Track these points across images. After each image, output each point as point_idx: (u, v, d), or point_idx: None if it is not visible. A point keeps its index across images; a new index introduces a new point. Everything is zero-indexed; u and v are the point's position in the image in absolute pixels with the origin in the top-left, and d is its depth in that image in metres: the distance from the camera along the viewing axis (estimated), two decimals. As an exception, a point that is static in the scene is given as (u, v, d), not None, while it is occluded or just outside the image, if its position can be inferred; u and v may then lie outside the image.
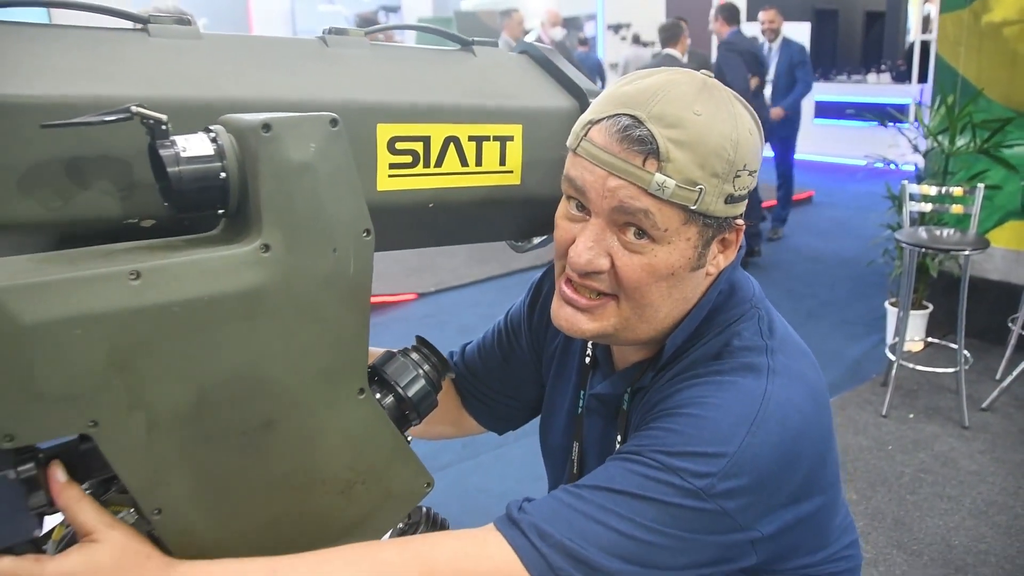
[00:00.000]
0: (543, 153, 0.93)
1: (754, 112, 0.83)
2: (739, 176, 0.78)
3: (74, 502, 0.66)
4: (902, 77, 10.94)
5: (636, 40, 10.43)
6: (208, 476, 0.68)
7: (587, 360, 1.01)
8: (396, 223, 0.87)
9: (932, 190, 3.47)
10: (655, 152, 0.75)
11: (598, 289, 0.82)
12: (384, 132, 0.82)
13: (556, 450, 1.08)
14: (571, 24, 10.93)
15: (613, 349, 0.98)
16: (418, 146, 0.85)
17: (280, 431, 0.70)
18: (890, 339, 3.85)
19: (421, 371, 0.85)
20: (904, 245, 3.35)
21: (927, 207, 3.59)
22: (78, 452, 0.68)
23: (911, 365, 3.67)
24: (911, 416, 3.41)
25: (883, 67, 11.47)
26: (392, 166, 0.83)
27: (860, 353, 4.17)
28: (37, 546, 0.66)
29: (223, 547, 0.71)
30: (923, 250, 3.35)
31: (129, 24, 0.79)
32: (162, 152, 0.63)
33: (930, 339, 4.03)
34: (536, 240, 1.09)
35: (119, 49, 0.75)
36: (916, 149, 4.11)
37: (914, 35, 10.85)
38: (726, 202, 0.78)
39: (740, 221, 0.83)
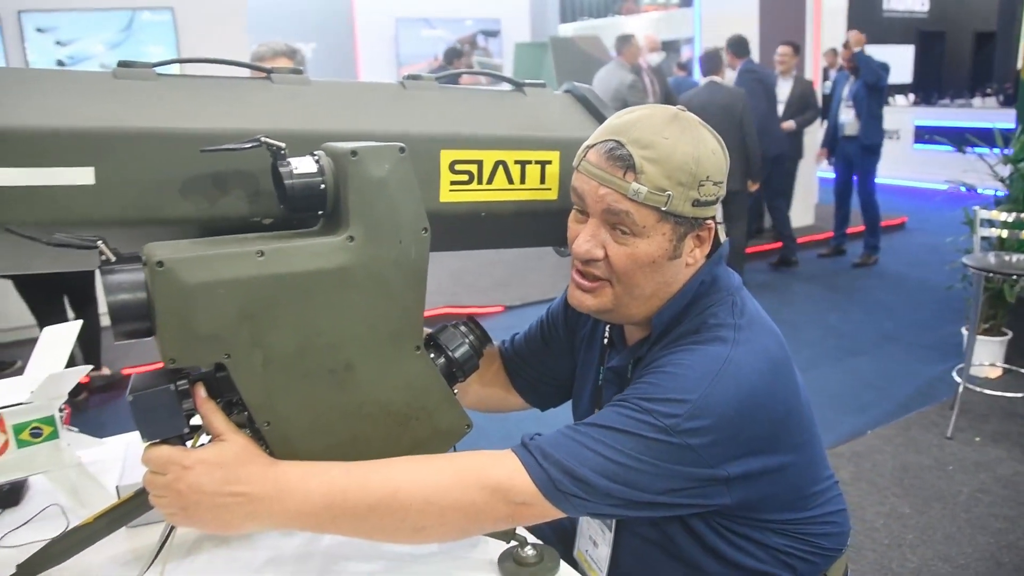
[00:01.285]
0: None
1: (719, 136, 1.05)
2: (703, 185, 1.00)
3: (210, 412, 0.93)
4: (1011, 100, 10.59)
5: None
6: (304, 400, 0.94)
7: (605, 341, 1.24)
8: (455, 228, 1.12)
9: (1003, 215, 3.50)
10: (632, 167, 0.98)
11: (597, 275, 1.05)
12: (446, 156, 1.06)
13: (583, 416, 1.30)
14: (670, 47, 11.05)
15: (624, 330, 1.20)
16: (473, 167, 1.08)
17: (357, 372, 0.96)
18: (966, 364, 3.86)
19: (467, 340, 1.09)
20: (971, 269, 3.40)
21: (1004, 233, 3.61)
22: (214, 378, 0.95)
23: (983, 390, 3.67)
24: (977, 439, 3.43)
25: (989, 90, 11.12)
26: (452, 183, 1.07)
27: (933, 376, 4.16)
28: (183, 441, 0.94)
29: (312, 455, 0.96)
30: (990, 275, 3.38)
31: (259, 74, 1.08)
32: (281, 170, 0.90)
33: (1008, 365, 4.02)
34: (574, 246, 1.31)
35: (251, 94, 1.03)
36: (996, 175, 4.11)
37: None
38: (693, 205, 1.00)
39: (711, 221, 1.05)
